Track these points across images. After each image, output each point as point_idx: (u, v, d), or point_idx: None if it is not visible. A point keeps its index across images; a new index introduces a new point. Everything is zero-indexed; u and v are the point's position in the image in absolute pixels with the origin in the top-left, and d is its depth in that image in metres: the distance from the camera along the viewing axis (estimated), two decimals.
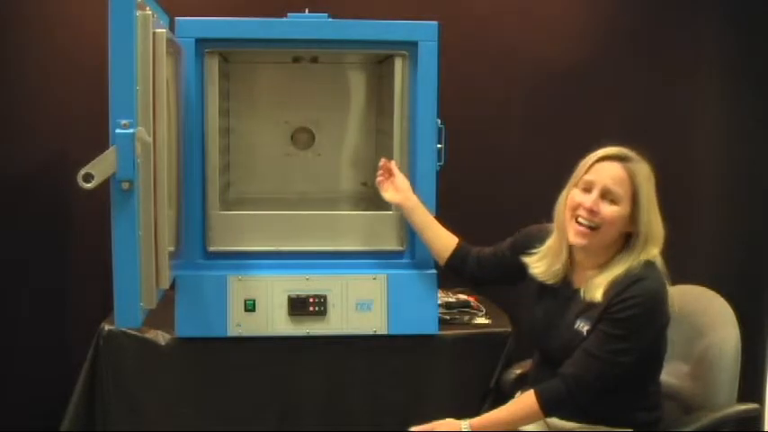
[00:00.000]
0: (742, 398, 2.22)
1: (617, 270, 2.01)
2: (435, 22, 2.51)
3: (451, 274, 2.47)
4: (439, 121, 2.52)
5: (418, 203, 2.46)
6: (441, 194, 2.55)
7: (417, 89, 2.51)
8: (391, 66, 2.56)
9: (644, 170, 2.04)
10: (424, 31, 2.50)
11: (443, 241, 2.45)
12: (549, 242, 2.16)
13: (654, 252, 2.03)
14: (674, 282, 2.39)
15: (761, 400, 3.29)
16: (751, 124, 3.39)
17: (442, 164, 2.54)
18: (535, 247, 2.19)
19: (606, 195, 2.01)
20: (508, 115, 3.27)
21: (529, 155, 3.23)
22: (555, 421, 2.09)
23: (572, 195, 2.06)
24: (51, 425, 2.61)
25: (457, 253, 2.42)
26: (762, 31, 3.35)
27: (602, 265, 2.05)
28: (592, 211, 2.01)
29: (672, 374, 2.31)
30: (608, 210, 2.01)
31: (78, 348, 2.67)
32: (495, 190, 3.24)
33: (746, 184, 3.41)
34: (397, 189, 2.47)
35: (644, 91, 3.32)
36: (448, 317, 2.69)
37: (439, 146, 2.53)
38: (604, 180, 2.02)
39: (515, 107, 3.27)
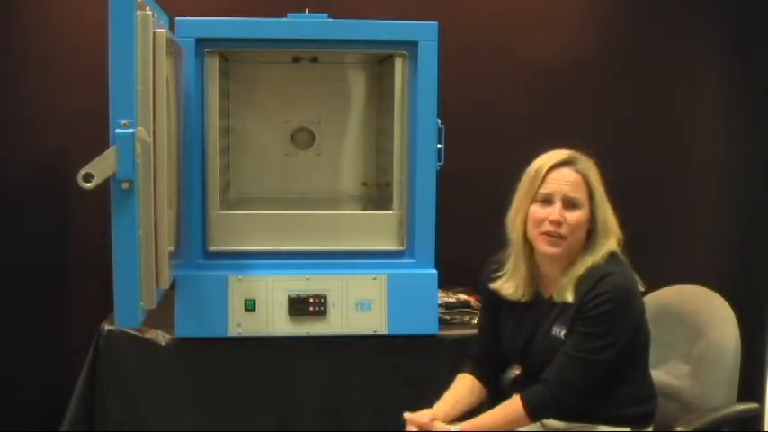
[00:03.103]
0: (742, 398, 2.21)
1: (582, 267, 2.02)
2: (435, 22, 2.51)
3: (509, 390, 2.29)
4: (439, 121, 2.52)
5: (444, 419, 2.13)
6: (441, 194, 2.55)
7: (417, 89, 2.51)
8: (391, 66, 2.56)
9: (592, 167, 2.06)
10: (424, 31, 2.50)
11: (468, 396, 2.21)
12: (509, 263, 2.14)
13: (612, 243, 2.04)
14: (674, 282, 2.40)
15: (761, 400, 3.29)
16: (750, 124, 3.39)
17: (442, 164, 2.54)
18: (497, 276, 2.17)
19: (567, 203, 2.01)
20: (508, 115, 3.27)
21: (529, 155, 3.22)
22: (550, 421, 2.09)
23: (532, 211, 2.04)
24: (51, 425, 2.61)
25: (484, 383, 2.24)
26: (762, 30, 3.35)
27: (568, 266, 2.05)
28: (557, 223, 2.00)
29: (672, 374, 2.31)
30: (572, 216, 2.01)
31: (78, 348, 2.67)
32: (495, 190, 3.21)
33: (746, 184, 3.41)
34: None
35: (643, 91, 3.32)
36: (448, 317, 2.69)
37: (439, 146, 2.53)
38: (563, 189, 2.02)
39: (515, 107, 3.28)
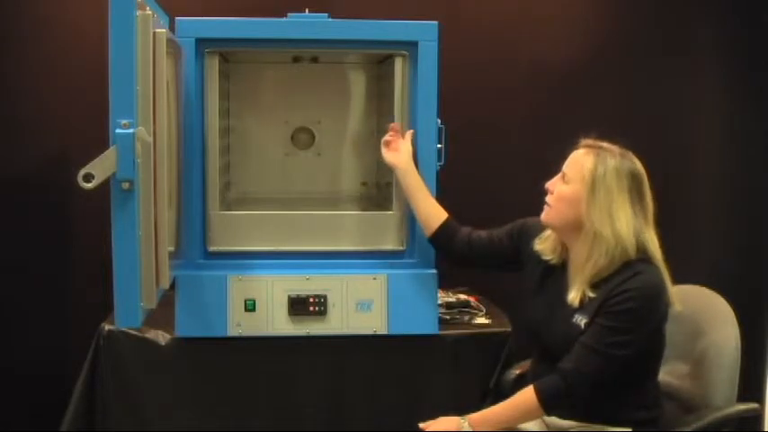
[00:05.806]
0: (742, 398, 2.22)
1: (587, 272, 2.03)
2: (435, 22, 2.51)
3: (438, 249, 2.48)
4: (439, 121, 2.52)
5: (413, 168, 2.45)
6: (441, 194, 2.55)
7: (417, 89, 2.51)
8: (391, 66, 2.56)
9: (611, 162, 2.04)
10: (424, 31, 2.50)
11: (432, 211, 2.44)
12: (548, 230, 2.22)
13: (618, 254, 2.01)
14: (675, 282, 2.39)
15: (761, 400, 3.29)
16: (750, 124, 3.39)
17: (442, 164, 2.54)
18: (533, 239, 2.25)
19: (563, 177, 2.10)
20: (508, 115, 3.27)
21: (529, 154, 3.23)
22: (553, 420, 2.09)
23: None
24: (51, 425, 2.61)
25: (444, 228, 2.42)
26: (761, 31, 3.35)
27: (579, 270, 2.07)
28: (548, 191, 2.12)
29: (672, 374, 2.31)
30: (559, 188, 2.09)
31: (78, 348, 2.67)
32: (495, 190, 3.23)
33: (746, 184, 3.41)
34: (397, 150, 2.46)
35: (643, 91, 3.32)
36: (448, 317, 2.69)
37: (439, 146, 2.53)
38: (567, 164, 2.12)
39: (515, 107, 3.28)
